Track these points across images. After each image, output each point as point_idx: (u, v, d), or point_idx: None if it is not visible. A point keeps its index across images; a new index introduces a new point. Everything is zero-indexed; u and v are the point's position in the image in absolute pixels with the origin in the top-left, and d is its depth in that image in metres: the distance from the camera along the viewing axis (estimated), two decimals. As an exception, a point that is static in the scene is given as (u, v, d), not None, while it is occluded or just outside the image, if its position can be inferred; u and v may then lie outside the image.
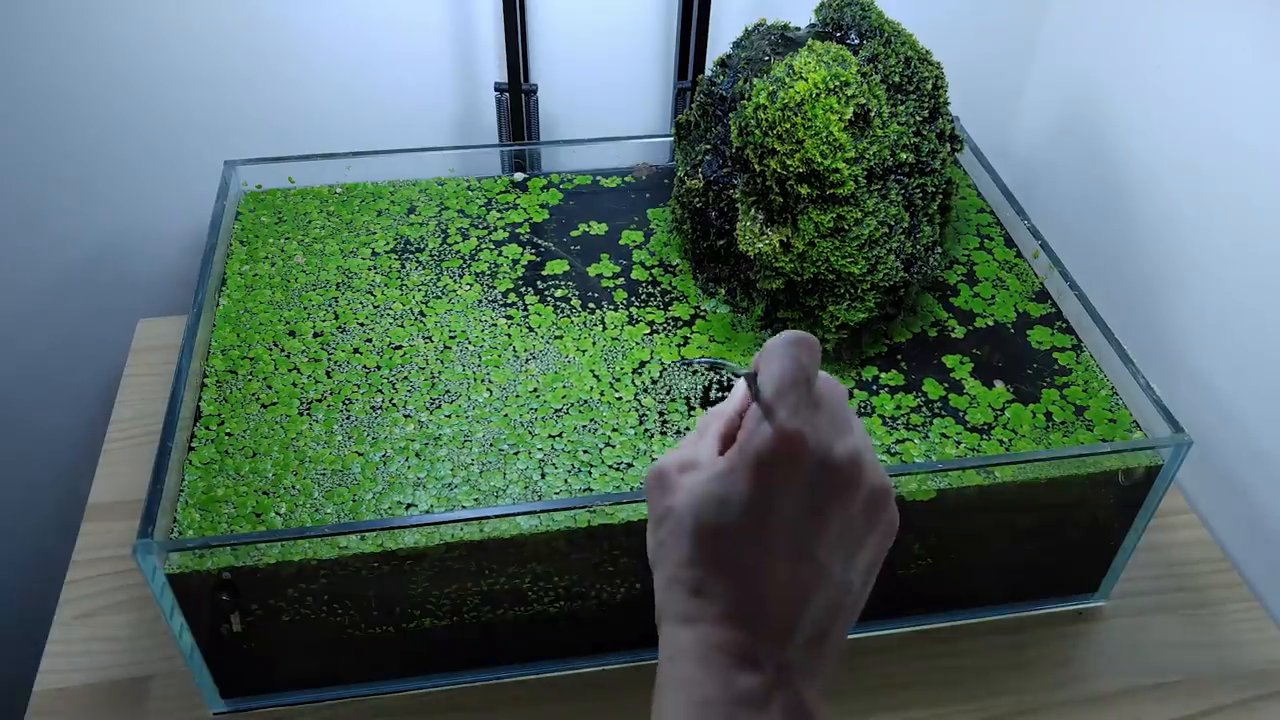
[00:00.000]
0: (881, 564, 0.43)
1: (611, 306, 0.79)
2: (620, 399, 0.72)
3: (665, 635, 0.42)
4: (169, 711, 0.70)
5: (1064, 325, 0.79)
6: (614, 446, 0.69)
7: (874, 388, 0.74)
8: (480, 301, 0.80)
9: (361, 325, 0.77)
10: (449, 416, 0.71)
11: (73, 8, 0.87)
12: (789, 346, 0.41)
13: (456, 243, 0.85)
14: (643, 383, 0.73)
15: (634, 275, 0.82)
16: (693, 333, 0.77)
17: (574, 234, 0.86)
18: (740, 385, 0.47)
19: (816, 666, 0.41)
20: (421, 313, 0.78)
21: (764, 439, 0.40)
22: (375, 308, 0.79)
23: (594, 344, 0.76)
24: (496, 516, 0.63)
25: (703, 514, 0.41)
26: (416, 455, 0.68)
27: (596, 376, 0.73)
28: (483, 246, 0.85)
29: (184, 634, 0.64)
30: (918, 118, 0.74)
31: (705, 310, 0.79)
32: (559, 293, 0.80)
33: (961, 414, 0.72)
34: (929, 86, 0.75)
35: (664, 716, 0.40)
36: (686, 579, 0.41)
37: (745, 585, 0.40)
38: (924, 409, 0.73)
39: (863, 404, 0.73)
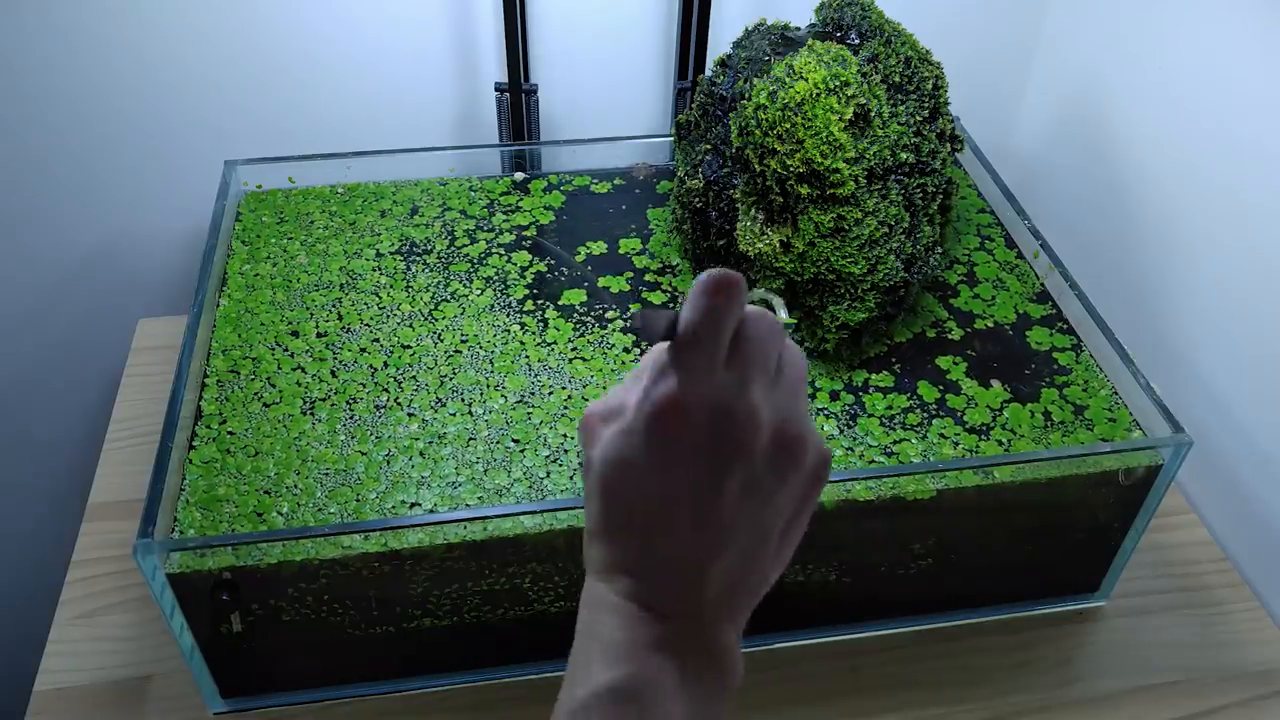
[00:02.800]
0: (813, 506, 0.42)
1: (628, 315, 0.79)
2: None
3: (586, 582, 0.42)
4: (169, 711, 0.70)
5: (1064, 325, 0.79)
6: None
7: (869, 389, 0.74)
8: (492, 306, 0.79)
9: (366, 326, 0.77)
10: (454, 415, 0.71)
11: (73, 8, 0.87)
12: (704, 297, 0.37)
13: (464, 245, 0.85)
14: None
15: (638, 280, 0.82)
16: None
17: (575, 238, 0.86)
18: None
19: (732, 611, 0.41)
20: (430, 315, 0.78)
21: (655, 403, 0.38)
22: (381, 309, 0.79)
23: (606, 351, 0.76)
24: (499, 516, 0.63)
25: (606, 474, 0.40)
26: (420, 454, 0.68)
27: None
28: (491, 251, 0.84)
29: (184, 634, 0.64)
30: (918, 118, 0.74)
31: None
32: (576, 300, 0.80)
33: (960, 414, 0.72)
34: (929, 86, 0.75)
35: (575, 658, 0.41)
36: (598, 532, 0.41)
37: (649, 546, 0.40)
38: (921, 409, 0.73)
39: (856, 404, 0.73)
